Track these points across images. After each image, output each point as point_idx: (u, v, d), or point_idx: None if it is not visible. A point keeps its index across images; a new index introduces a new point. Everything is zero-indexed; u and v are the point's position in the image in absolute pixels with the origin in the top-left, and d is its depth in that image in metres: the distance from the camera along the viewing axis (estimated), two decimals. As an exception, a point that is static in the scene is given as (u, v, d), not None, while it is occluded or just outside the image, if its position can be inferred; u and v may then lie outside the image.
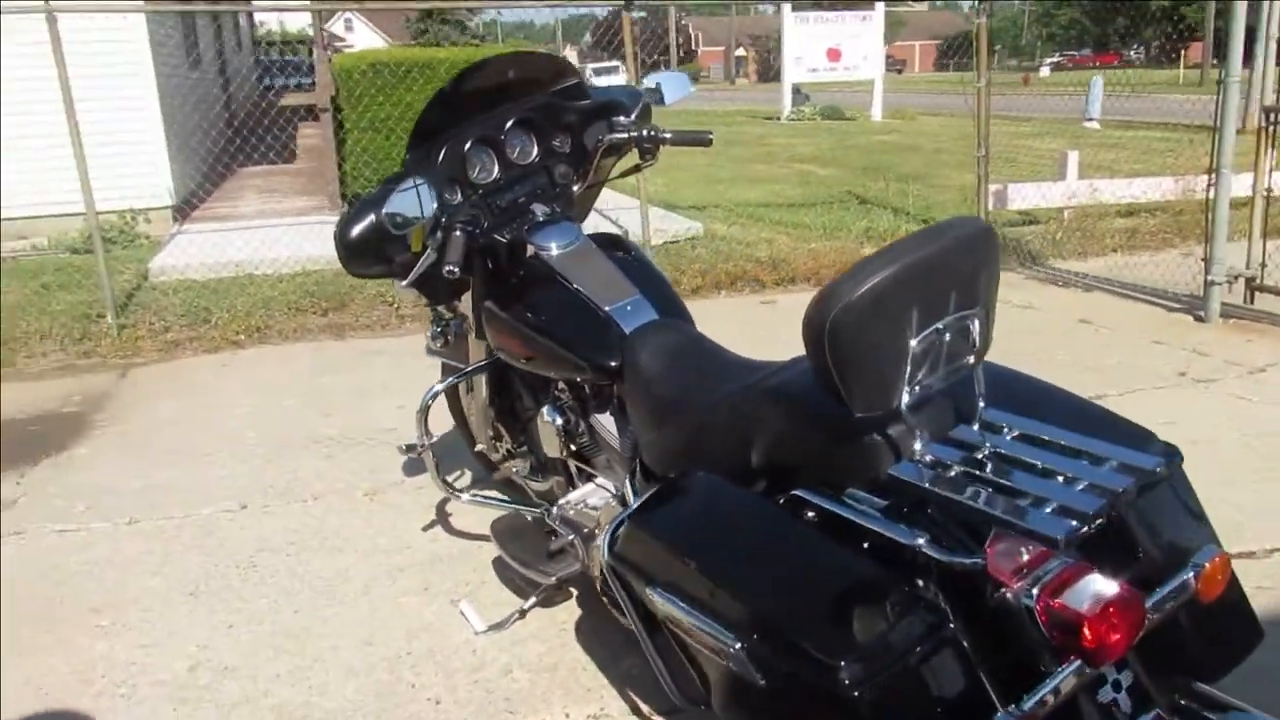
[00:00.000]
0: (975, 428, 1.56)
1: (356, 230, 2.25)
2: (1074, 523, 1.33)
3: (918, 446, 1.52)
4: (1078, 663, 1.35)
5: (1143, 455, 1.48)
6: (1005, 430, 1.55)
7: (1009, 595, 1.38)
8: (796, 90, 20.60)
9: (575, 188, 2.59)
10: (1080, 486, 1.41)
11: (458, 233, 2.24)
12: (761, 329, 5.27)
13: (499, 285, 2.41)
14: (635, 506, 1.82)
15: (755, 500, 1.71)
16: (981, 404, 1.57)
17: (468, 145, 2.43)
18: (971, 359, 1.57)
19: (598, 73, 40.77)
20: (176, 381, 4.88)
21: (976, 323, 1.54)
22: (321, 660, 2.51)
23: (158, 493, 3.53)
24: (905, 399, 1.48)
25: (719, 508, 1.72)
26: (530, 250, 2.40)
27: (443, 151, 2.39)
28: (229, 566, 3.00)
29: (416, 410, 2.66)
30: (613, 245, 2.47)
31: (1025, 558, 1.36)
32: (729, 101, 29.74)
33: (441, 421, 2.98)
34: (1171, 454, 1.57)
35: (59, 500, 3.51)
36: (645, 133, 2.53)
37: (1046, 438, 1.53)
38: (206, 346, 5.40)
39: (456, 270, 2.18)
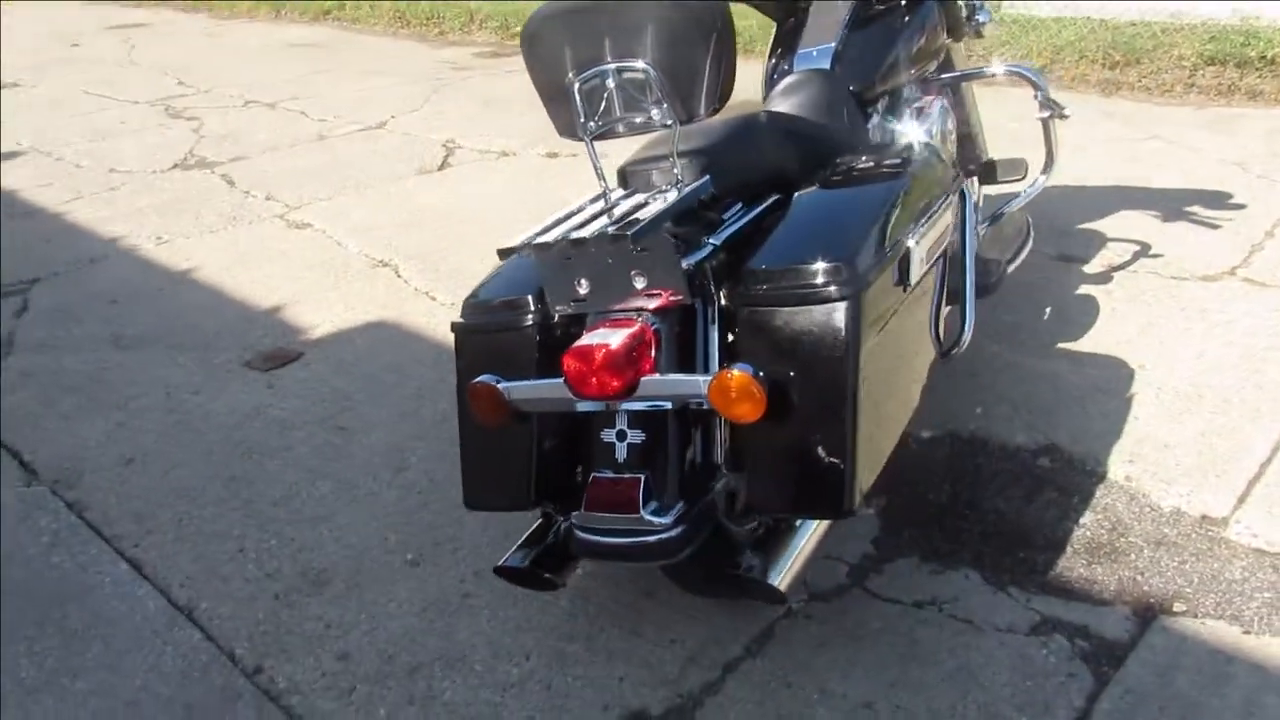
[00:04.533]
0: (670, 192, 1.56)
1: None
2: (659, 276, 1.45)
3: (600, 183, 1.60)
4: (560, 380, 1.46)
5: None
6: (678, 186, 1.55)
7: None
8: None
9: None
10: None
11: None
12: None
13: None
14: None
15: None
16: (677, 169, 1.56)
17: None
18: (656, 114, 1.54)
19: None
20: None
21: (653, 80, 1.50)
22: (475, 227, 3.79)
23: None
24: (588, 133, 1.56)
25: None
26: None
27: None
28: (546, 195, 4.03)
29: None
30: None
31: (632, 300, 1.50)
32: None
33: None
34: (844, 284, 1.43)
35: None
36: None
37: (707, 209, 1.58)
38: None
39: None
